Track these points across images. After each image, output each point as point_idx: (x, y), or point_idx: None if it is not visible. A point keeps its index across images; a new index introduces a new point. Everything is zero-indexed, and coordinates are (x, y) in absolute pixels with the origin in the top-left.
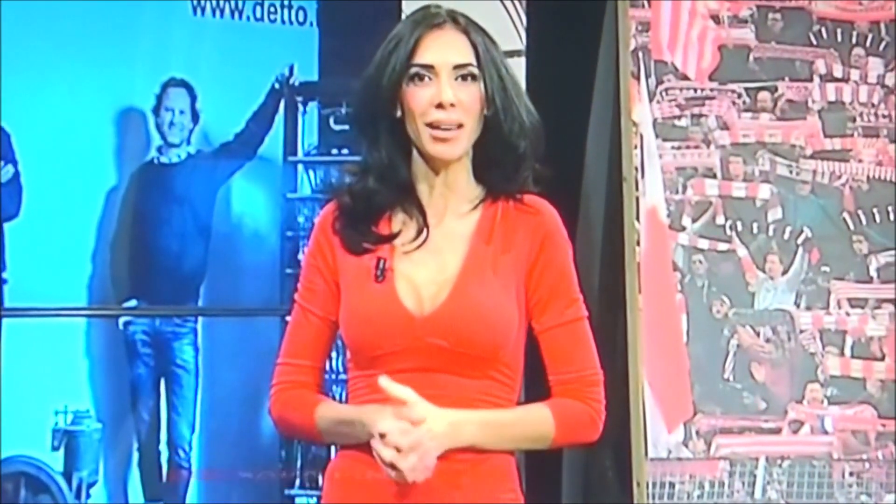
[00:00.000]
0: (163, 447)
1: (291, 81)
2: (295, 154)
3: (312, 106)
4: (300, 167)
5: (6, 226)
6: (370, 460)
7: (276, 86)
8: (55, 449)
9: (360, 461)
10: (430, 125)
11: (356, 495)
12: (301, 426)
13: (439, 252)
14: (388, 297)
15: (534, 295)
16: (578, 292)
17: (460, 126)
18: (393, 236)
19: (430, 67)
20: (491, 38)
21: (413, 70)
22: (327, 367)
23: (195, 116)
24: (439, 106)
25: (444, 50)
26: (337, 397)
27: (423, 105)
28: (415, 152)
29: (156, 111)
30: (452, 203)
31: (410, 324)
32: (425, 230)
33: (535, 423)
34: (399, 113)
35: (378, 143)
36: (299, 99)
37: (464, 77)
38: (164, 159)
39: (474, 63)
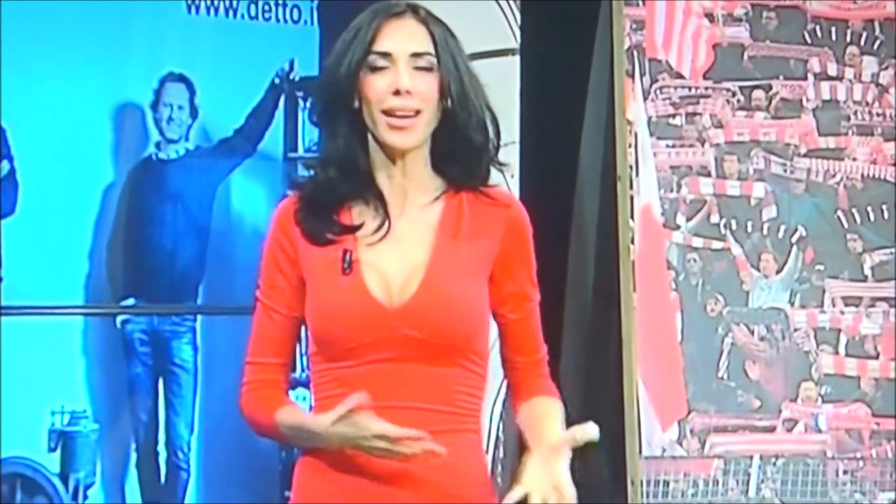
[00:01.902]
0: (161, 448)
1: (292, 77)
2: (295, 150)
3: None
4: (300, 164)
5: (2, 223)
6: (330, 466)
7: (277, 81)
8: (52, 450)
9: (320, 469)
10: (387, 112)
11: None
12: (265, 427)
13: (404, 242)
14: (358, 289)
15: (503, 285)
16: (535, 275)
17: (417, 113)
18: (356, 227)
19: (387, 55)
20: (450, 30)
21: (371, 57)
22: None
23: (194, 112)
24: (396, 93)
25: (402, 38)
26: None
27: (381, 92)
28: (372, 142)
29: (154, 106)
30: (412, 193)
31: (383, 315)
32: (387, 221)
33: (561, 416)
34: (357, 104)
35: (337, 135)
36: (300, 94)
37: (421, 66)
38: (162, 155)
39: (432, 52)
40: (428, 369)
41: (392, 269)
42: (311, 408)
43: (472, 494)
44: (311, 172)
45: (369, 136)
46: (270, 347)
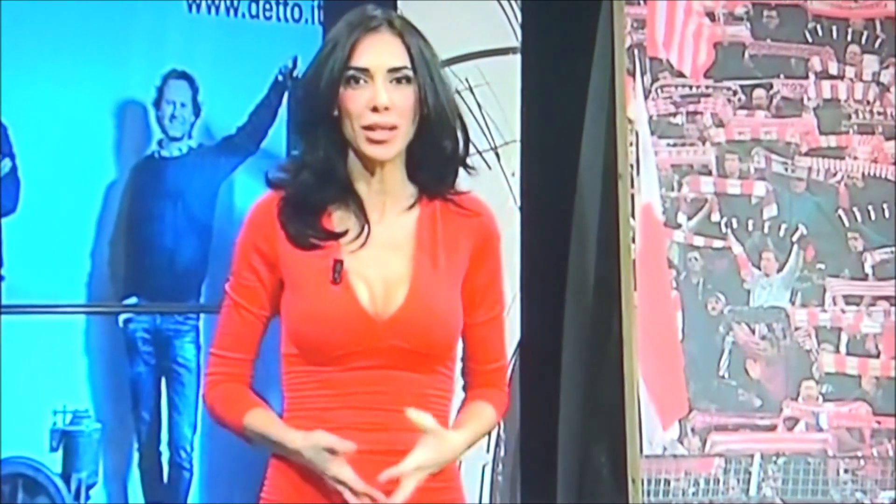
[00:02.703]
0: (164, 447)
1: (295, 74)
2: (298, 148)
3: None
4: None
5: (3, 221)
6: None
7: (280, 79)
8: (53, 450)
9: (295, 465)
10: (366, 128)
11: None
12: (230, 425)
13: (384, 250)
14: (348, 299)
15: (474, 293)
16: (503, 284)
17: (395, 128)
18: (341, 234)
19: (365, 70)
20: (426, 40)
21: (349, 73)
22: None
23: (197, 109)
24: (374, 109)
25: (379, 53)
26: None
27: (359, 108)
28: (351, 152)
29: (157, 104)
30: (390, 201)
31: (371, 326)
32: (367, 228)
33: (490, 423)
34: (336, 113)
35: (316, 143)
36: None
37: (398, 80)
38: (164, 153)
39: (409, 66)
40: (407, 375)
41: (375, 278)
42: (283, 407)
43: (445, 489)
44: (285, 176)
45: (348, 145)
46: (237, 342)
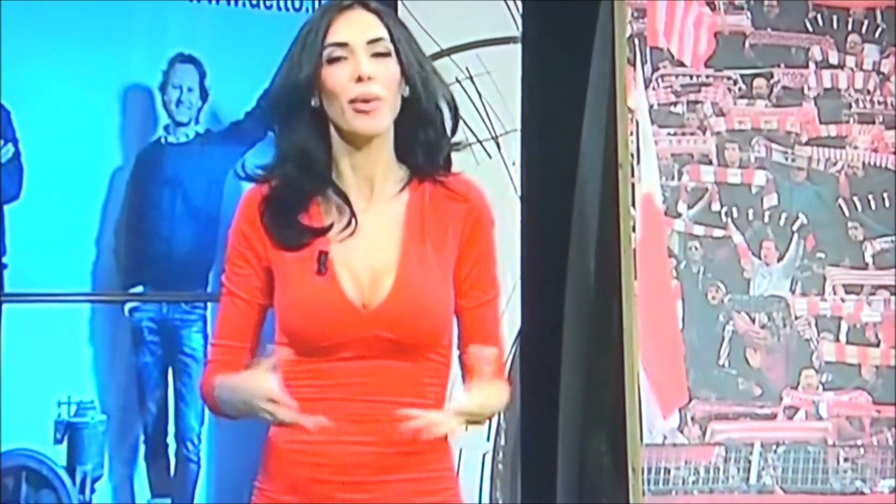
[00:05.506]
0: (170, 439)
1: None
2: None
3: None
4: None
5: (6, 208)
6: (304, 441)
7: None
8: (58, 442)
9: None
10: (352, 101)
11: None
12: (209, 396)
13: (372, 238)
14: (333, 290)
15: (462, 275)
16: (496, 268)
17: (380, 98)
18: (326, 229)
19: (344, 45)
20: (400, 21)
21: (328, 50)
22: None
23: (204, 94)
24: (359, 79)
25: (356, 27)
26: None
27: (343, 82)
28: (336, 136)
29: (163, 88)
30: (378, 183)
31: (357, 317)
32: (354, 219)
33: (495, 401)
34: (315, 101)
35: (295, 133)
36: None
37: (379, 52)
38: (171, 139)
39: (387, 38)
40: (397, 364)
41: (362, 267)
42: None
43: (439, 477)
44: (265, 172)
45: (332, 132)
46: (234, 331)
